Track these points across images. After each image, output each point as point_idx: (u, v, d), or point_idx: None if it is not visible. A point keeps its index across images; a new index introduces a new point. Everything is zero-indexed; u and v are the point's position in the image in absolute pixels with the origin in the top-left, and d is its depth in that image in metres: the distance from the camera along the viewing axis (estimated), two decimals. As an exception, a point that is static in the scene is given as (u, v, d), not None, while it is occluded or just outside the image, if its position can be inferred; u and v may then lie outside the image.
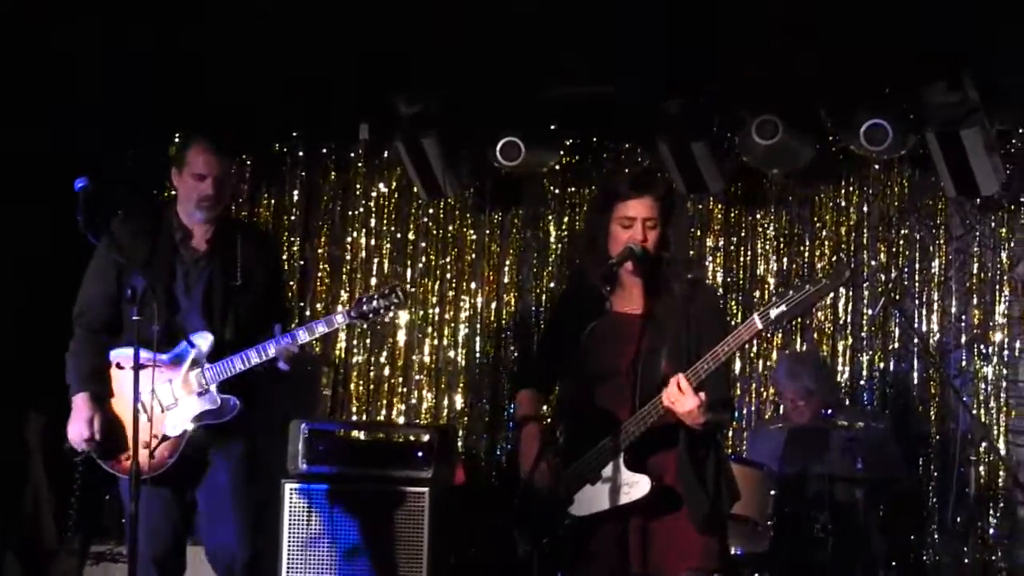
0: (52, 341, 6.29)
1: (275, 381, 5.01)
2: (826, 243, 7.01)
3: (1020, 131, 6.65)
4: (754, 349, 7.04)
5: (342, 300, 7.45)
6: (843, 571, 5.94)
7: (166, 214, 5.08)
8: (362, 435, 6.87)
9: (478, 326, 7.44)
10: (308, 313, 7.25)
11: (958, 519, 6.47)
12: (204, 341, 4.92)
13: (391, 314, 5.15)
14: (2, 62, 6.38)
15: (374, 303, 4.89)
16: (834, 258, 6.91)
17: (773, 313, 4.11)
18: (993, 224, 6.77)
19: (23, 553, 6.49)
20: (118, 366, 4.95)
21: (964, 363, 6.74)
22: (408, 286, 5.02)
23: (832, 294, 6.66)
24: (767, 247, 7.11)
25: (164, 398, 4.92)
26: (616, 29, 6.22)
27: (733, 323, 4.43)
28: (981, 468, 6.54)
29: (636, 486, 4.25)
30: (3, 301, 6.65)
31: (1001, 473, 6.59)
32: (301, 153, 7.59)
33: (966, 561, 6.50)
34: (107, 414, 4.89)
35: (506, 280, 7.43)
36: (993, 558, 6.55)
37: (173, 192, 5.18)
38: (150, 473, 4.83)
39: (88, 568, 6.31)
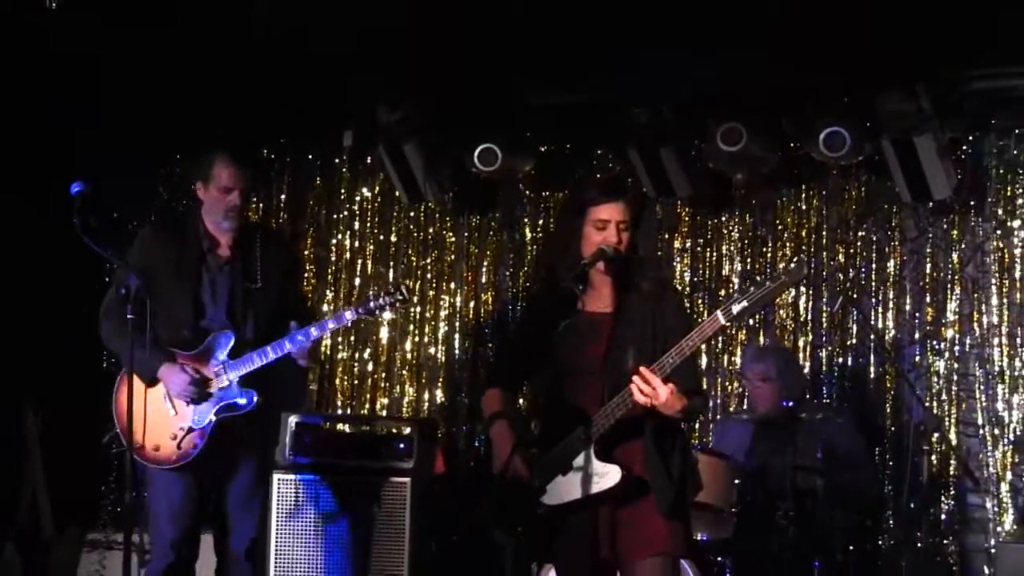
0: (50, 339, 6.51)
1: (298, 373, 5.22)
2: (787, 245, 7.05)
3: (970, 138, 6.70)
4: (719, 344, 7.09)
5: (327, 299, 7.53)
6: (803, 555, 5.99)
7: (192, 224, 5.24)
8: (347, 428, 6.94)
9: (457, 324, 7.51)
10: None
11: (912, 505, 6.46)
12: (225, 339, 5.12)
13: (397, 310, 5.30)
14: (2, 62, 6.41)
15: (381, 300, 5.08)
16: (795, 259, 6.76)
17: (735, 309, 4.17)
18: (945, 227, 6.80)
19: (22, 544, 6.56)
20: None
21: (918, 358, 6.78)
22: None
23: (792, 290, 6.79)
24: (732, 248, 7.17)
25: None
26: (609, 36, 6.27)
27: (700, 320, 4.44)
28: (933, 457, 6.55)
29: (606, 476, 4.30)
30: (2, 300, 6.72)
31: (952, 462, 6.65)
32: (288, 159, 7.68)
33: (919, 545, 6.51)
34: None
35: (484, 280, 7.51)
36: (945, 542, 6.63)
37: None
38: (177, 463, 5.07)
39: (85, 555, 6.40)
